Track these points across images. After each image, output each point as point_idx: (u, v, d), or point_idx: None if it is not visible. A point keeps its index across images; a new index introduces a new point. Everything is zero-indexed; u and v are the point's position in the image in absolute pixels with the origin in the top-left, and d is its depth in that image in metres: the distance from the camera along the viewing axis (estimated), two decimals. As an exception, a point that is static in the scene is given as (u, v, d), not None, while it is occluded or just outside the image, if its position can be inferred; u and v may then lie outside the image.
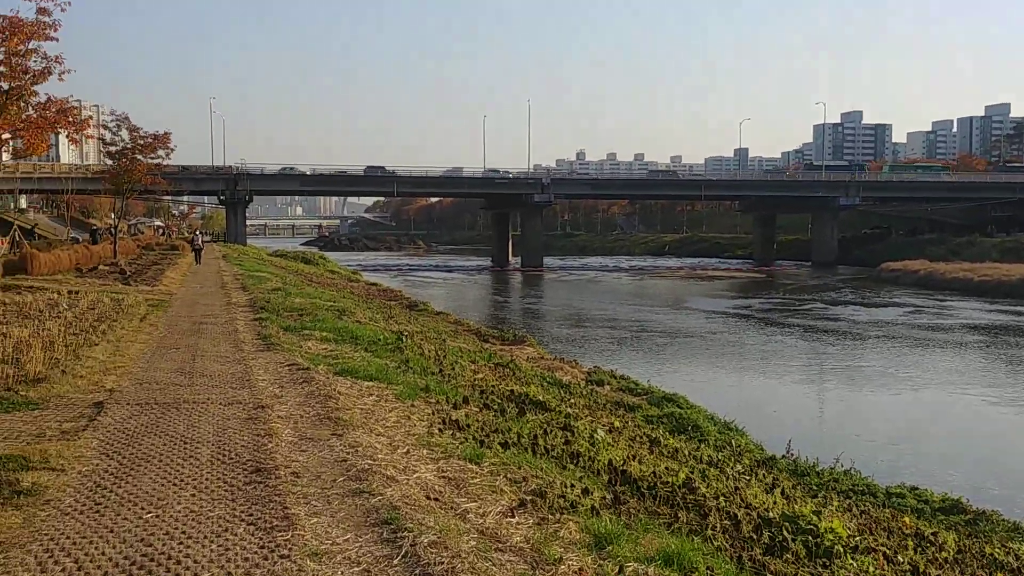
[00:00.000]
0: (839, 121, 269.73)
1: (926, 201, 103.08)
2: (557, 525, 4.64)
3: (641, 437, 10.65)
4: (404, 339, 13.53)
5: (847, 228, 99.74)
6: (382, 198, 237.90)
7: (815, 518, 5.90)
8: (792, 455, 12.86)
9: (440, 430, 6.55)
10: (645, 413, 16.02)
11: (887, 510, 9.53)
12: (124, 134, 41.62)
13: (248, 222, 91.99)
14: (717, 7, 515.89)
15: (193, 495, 4.90)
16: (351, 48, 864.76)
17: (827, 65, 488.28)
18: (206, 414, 6.67)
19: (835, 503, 8.83)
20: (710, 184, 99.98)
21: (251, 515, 4.51)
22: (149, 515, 4.57)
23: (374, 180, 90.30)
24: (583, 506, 5.09)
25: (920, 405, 21.01)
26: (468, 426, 6.79)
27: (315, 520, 4.46)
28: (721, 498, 6.31)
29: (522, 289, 65.43)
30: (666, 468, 7.56)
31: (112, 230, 46.06)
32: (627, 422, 13.64)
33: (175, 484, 5.11)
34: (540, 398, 9.06)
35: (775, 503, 6.98)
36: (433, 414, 7.30)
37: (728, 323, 38.56)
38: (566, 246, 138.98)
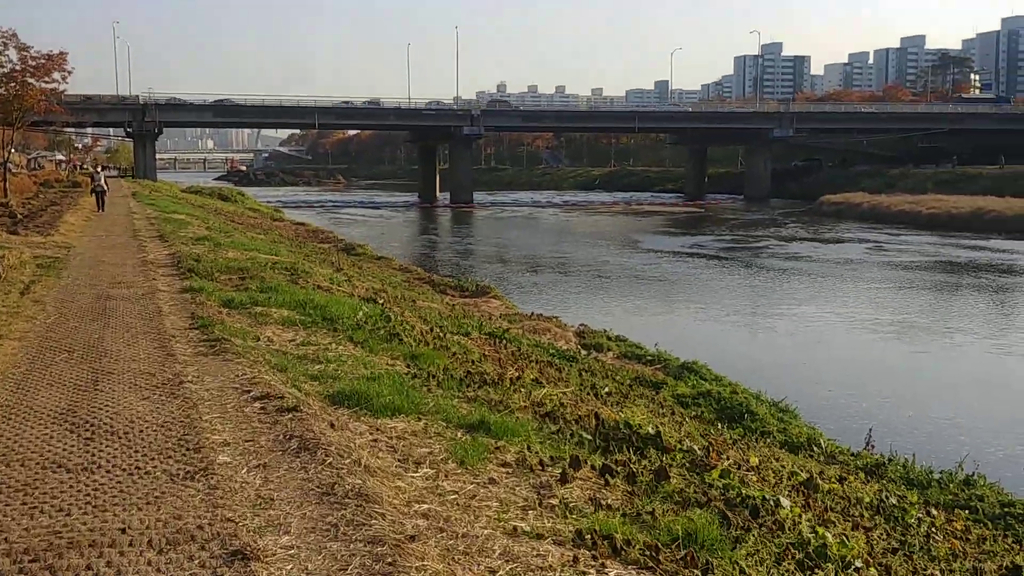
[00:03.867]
0: (759, 53, 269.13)
1: (858, 132, 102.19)
2: None
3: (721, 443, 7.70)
4: (385, 310, 10.18)
5: (777, 161, 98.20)
6: (297, 131, 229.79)
7: None
8: (894, 457, 10.02)
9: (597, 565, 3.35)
10: (674, 391, 13.06)
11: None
12: (12, 54, 36.43)
13: (157, 156, 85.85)
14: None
15: None
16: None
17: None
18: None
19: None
20: (644, 116, 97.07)
21: None
22: None
23: (294, 111, 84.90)
24: None
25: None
26: (628, 544, 3.60)
27: None
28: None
29: (457, 227, 61.89)
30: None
31: (3, 164, 40.63)
32: (671, 411, 10.64)
33: None
34: (646, 429, 5.87)
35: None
36: (539, 499, 4.09)
37: (689, 263, 35.88)
38: (492, 181, 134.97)
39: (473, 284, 24.25)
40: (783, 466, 6.50)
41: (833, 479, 6.59)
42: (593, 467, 4.74)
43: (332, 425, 4.79)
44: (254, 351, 6.90)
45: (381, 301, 11.85)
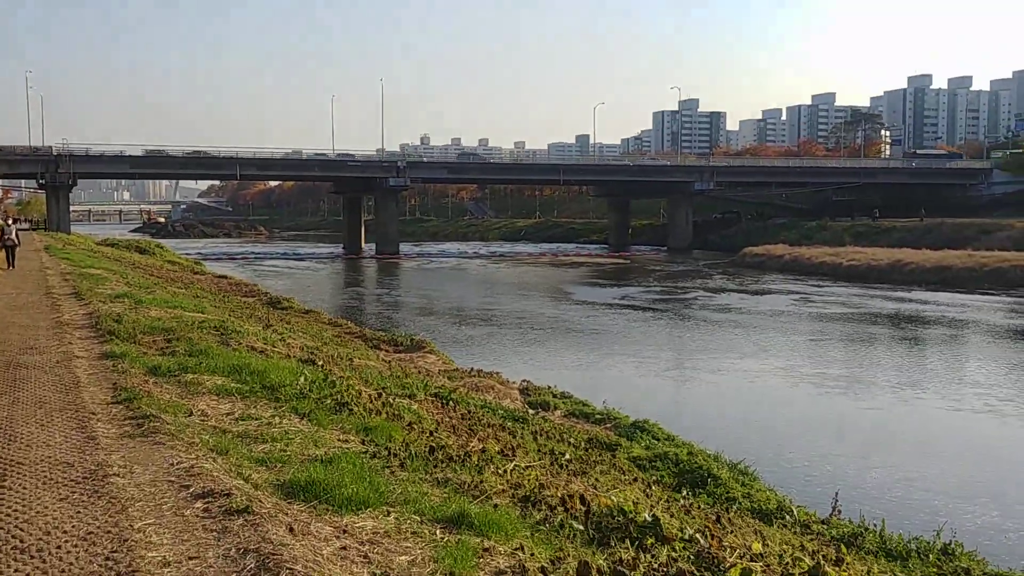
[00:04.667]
0: (676, 109, 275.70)
1: (776, 185, 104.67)
2: None
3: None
4: (328, 374, 9.38)
5: (698, 214, 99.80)
6: (217, 182, 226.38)
7: None
8: (866, 526, 9.53)
9: None
10: (629, 453, 12.48)
11: None
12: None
13: (71, 208, 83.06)
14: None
15: None
16: (192, 22, 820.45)
17: (665, 55, 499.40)
18: None
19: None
20: (569, 168, 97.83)
21: None
22: None
23: (215, 162, 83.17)
24: None
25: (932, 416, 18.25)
26: None
27: None
28: None
29: (385, 279, 60.87)
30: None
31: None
32: (645, 485, 10.00)
33: None
34: (643, 516, 5.24)
35: None
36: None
37: (623, 316, 35.62)
38: (417, 232, 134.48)
39: (407, 338, 23.48)
40: (783, 551, 5.90)
41: (830, 560, 6.01)
42: (601, 572, 4.06)
43: (291, 529, 4.01)
44: (188, 430, 6.05)
45: (320, 362, 11.03)
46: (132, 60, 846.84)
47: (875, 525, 9.74)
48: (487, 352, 25.64)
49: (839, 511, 10.44)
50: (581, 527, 5.05)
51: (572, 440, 12.06)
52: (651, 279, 56.72)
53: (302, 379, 8.50)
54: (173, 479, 4.71)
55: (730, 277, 56.85)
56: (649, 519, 5.20)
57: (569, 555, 4.30)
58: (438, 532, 4.42)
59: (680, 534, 5.16)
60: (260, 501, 4.36)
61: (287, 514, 4.28)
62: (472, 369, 19.23)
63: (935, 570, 8.33)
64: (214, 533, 3.89)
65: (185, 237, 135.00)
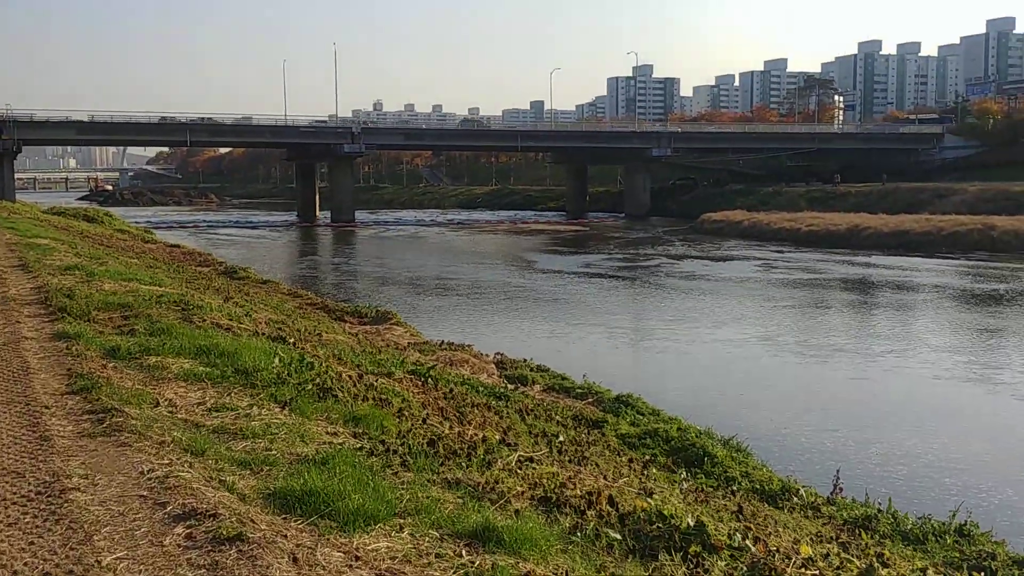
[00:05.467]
0: (631, 75, 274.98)
1: (732, 152, 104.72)
2: None
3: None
4: (303, 354, 8.63)
5: (654, 180, 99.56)
6: (166, 148, 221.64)
7: None
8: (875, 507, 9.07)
9: None
10: (616, 430, 11.91)
11: None
12: None
13: (16, 176, 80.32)
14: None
15: None
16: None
17: (619, 19, 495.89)
18: None
19: None
20: (527, 135, 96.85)
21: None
22: None
23: (164, 128, 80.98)
24: None
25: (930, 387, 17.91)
26: None
27: None
28: None
29: (342, 247, 59.72)
30: None
31: None
32: (625, 460, 9.43)
33: None
34: (685, 521, 4.63)
35: None
36: None
37: (589, 284, 35.11)
38: (372, 200, 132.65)
39: (372, 310, 22.70)
40: (828, 551, 5.34)
41: (880, 560, 5.47)
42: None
43: (295, 559, 3.32)
44: (156, 425, 5.29)
45: (292, 340, 10.27)
46: (78, 23, 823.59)
47: (879, 504, 9.33)
48: (454, 323, 24.96)
49: (841, 488, 10.00)
50: (618, 536, 4.42)
51: (559, 419, 11.47)
52: (612, 246, 56.32)
53: (277, 360, 7.75)
54: (145, 493, 3.96)
55: (691, 244, 56.65)
56: (692, 524, 4.59)
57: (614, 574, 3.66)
58: (464, 552, 3.76)
59: (729, 541, 4.56)
60: (253, 522, 3.64)
61: (286, 537, 3.57)
62: (443, 342, 18.50)
63: (957, 554, 7.88)
64: (203, 570, 3.17)
65: (134, 205, 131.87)
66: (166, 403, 6.02)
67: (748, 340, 22.31)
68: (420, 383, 10.77)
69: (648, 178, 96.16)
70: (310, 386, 7.02)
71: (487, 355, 17.30)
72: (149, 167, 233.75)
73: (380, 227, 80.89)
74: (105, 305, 10.13)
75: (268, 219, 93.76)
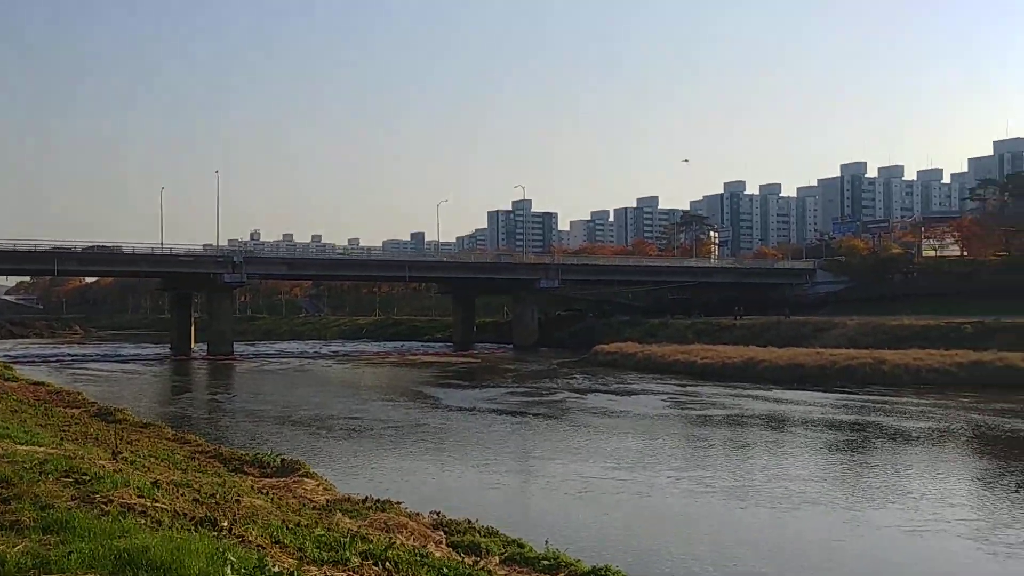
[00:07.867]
0: (510, 209, 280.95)
1: (617, 284, 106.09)
2: None
3: None
4: (260, 556, 6.47)
5: (541, 311, 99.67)
6: (27, 278, 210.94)
7: None
8: None
9: None
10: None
11: None
12: None
13: None
14: (411, 95, 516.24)
15: None
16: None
17: (492, 155, 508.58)
18: None
19: None
20: (414, 265, 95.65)
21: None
22: None
23: (31, 257, 76.01)
24: None
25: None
26: None
27: None
28: None
29: (223, 383, 56.02)
30: None
31: None
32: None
33: None
34: None
35: None
36: None
37: (497, 422, 33.13)
38: (249, 331, 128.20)
39: (275, 458, 20.08)
40: None
41: None
42: None
43: None
44: None
45: (226, 523, 8.01)
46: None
47: None
48: (368, 470, 22.54)
49: None
50: None
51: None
52: (510, 379, 54.64)
53: (230, 572, 5.58)
54: None
55: (588, 377, 55.48)
56: None
57: None
58: None
59: None
60: None
61: None
62: (367, 498, 16.12)
63: None
64: None
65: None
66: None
67: (709, 489, 20.60)
68: (380, 571, 8.60)
69: (536, 309, 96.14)
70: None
71: (422, 515, 15.07)
72: (7, 297, 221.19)
73: (261, 359, 77.17)
74: (-28, 480, 7.70)
75: (139, 352, 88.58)
